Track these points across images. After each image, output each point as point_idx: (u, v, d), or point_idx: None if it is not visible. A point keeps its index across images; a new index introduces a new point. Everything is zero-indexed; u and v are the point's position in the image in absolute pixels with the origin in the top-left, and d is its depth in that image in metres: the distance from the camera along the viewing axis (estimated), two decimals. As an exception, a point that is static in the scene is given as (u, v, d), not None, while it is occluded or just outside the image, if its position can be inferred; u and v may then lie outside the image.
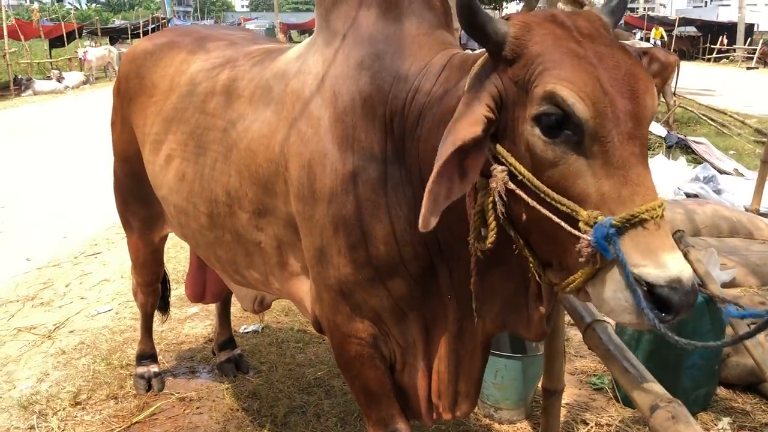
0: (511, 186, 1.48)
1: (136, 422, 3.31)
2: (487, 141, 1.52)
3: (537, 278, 1.63)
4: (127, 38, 32.08)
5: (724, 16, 36.47)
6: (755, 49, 32.52)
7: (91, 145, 11.62)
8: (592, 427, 3.24)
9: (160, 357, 3.85)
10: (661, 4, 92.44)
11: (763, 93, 18.00)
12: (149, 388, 3.59)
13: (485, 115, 1.48)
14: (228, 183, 2.32)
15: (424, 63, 1.84)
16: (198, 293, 3.45)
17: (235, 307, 4.27)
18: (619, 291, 1.36)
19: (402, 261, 1.91)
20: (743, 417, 3.34)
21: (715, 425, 3.24)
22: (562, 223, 1.40)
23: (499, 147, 1.52)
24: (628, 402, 3.42)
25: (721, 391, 3.55)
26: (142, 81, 2.78)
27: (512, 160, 1.49)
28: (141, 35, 31.49)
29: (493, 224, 1.55)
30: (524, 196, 1.46)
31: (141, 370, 3.62)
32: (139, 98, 2.79)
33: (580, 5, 1.94)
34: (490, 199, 1.52)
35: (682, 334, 3.24)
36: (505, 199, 1.50)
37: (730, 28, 35.43)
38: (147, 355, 3.66)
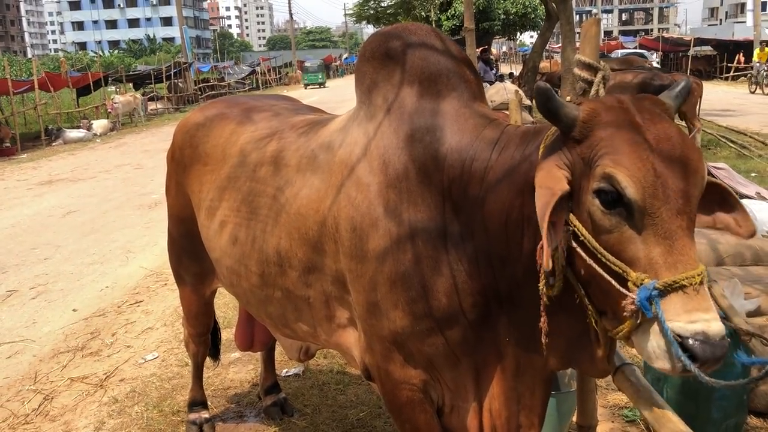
0: (573, 244, 1.72)
1: (191, 467, 3.50)
2: (566, 201, 1.74)
3: (594, 324, 1.85)
4: (151, 83, 32.82)
5: (740, 33, 36.49)
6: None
7: (125, 192, 12.00)
8: (626, 459, 3.37)
9: (208, 402, 4.05)
10: (675, 24, 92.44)
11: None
12: (201, 433, 3.78)
13: (566, 176, 1.72)
14: (279, 244, 2.54)
15: (474, 135, 2.10)
16: (247, 343, 3.66)
17: (276, 350, 4.47)
18: (657, 341, 1.58)
19: (462, 310, 2.11)
20: (774, 445, 3.44)
21: (747, 454, 3.35)
22: (613, 281, 1.64)
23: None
24: (660, 433, 3.54)
25: (752, 420, 3.66)
26: (196, 150, 3.04)
27: (576, 223, 1.72)
28: (164, 80, 32.35)
29: (560, 274, 1.81)
30: (583, 254, 1.70)
31: (193, 416, 3.82)
32: (194, 166, 3.05)
33: (595, 70, 2.16)
34: (559, 253, 1.77)
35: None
36: (565, 254, 1.76)
37: (746, 46, 35.40)
38: (198, 402, 3.86)
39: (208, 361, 4.18)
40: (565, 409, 3.37)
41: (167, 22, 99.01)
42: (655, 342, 1.59)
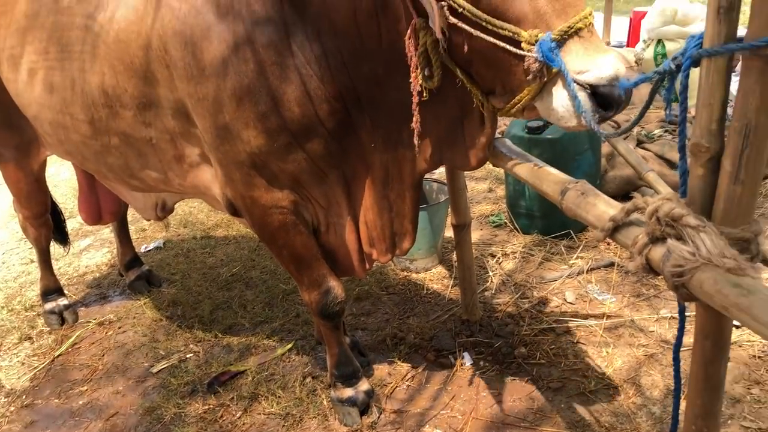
0: (453, 20, 1.54)
1: (59, 355, 3.23)
2: None
3: (480, 107, 1.74)
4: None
5: None
6: None
7: None
8: (499, 257, 3.49)
9: (65, 291, 3.72)
10: None
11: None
12: (63, 321, 3.48)
13: None
14: (103, 82, 2.20)
15: None
16: (94, 214, 3.32)
17: (132, 227, 4.16)
18: (565, 98, 1.48)
19: (319, 119, 1.93)
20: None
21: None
22: (507, 46, 1.49)
23: None
24: (527, 230, 3.69)
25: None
26: (-21, -7, 2.53)
27: None
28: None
29: (437, 62, 1.65)
30: (466, 27, 1.52)
31: (49, 305, 3.49)
32: (-19, 12, 2.55)
33: None
34: (432, 37, 1.60)
35: (566, 157, 3.47)
36: (447, 34, 1.58)
37: None
38: (52, 290, 3.53)
39: (58, 250, 3.82)
40: (437, 220, 3.40)
41: None
42: (565, 100, 1.49)
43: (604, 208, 1.42)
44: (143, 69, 2.09)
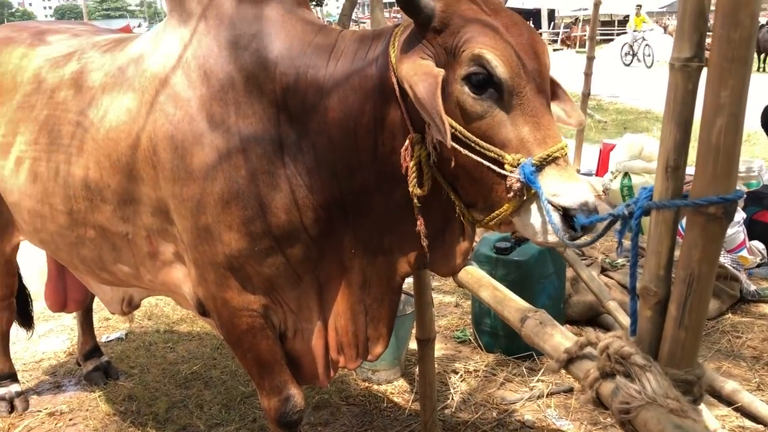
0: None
1: (4, 445, 3.13)
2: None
3: (462, 218, 1.86)
4: None
5: (530, 3, 39.24)
6: (558, 32, 35.54)
7: None
8: (462, 374, 3.51)
9: (19, 377, 3.63)
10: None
11: (573, 70, 19.56)
12: (12, 409, 3.37)
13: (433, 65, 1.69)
14: (87, 175, 2.27)
15: (306, 42, 1.97)
16: (59, 301, 3.29)
17: (96, 315, 4.12)
18: (540, 217, 1.63)
19: (303, 226, 2.01)
20: (588, 347, 3.75)
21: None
22: (493, 166, 1.64)
23: None
24: (490, 348, 3.73)
25: (567, 328, 3.96)
26: (-22, 82, 2.63)
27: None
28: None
29: (428, 173, 1.80)
30: (456, 145, 1.67)
31: (1, 391, 3.39)
32: (-23, 100, 2.63)
33: None
34: (426, 151, 1.76)
35: (532, 280, 3.56)
36: (439, 149, 1.75)
37: (535, 14, 38.24)
38: (5, 376, 3.44)
39: (18, 334, 3.75)
40: (402, 332, 3.43)
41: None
42: (539, 218, 1.63)
43: (560, 340, 1.49)
44: (129, 167, 2.17)
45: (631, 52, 24.41)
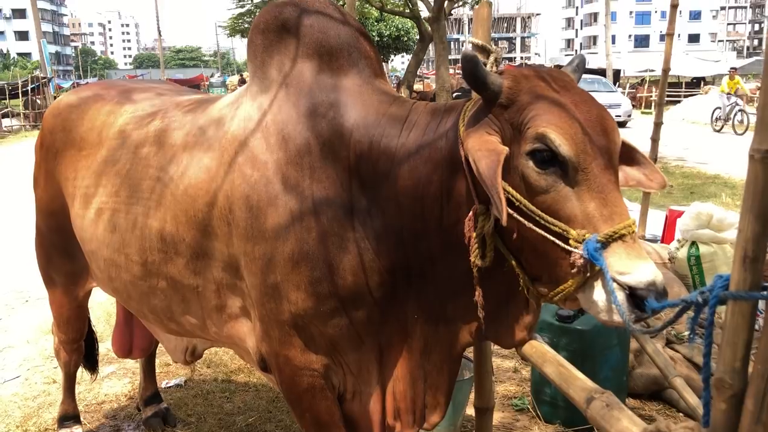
0: (509, 211, 1.69)
1: (63, 487, 3.19)
2: None
3: (526, 292, 1.85)
4: (5, 98, 30.53)
5: (594, 63, 39.18)
6: (623, 92, 35.33)
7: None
8: (519, 444, 3.43)
9: (82, 419, 3.72)
10: (536, 53, 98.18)
11: (639, 131, 19.34)
12: (75, 451, 3.46)
13: (498, 141, 1.73)
14: (163, 229, 2.37)
15: (380, 112, 2.05)
16: (126, 348, 3.40)
17: (158, 359, 4.20)
18: (605, 295, 1.59)
19: (368, 289, 2.05)
20: (650, 422, 3.61)
21: None
22: (557, 241, 1.63)
23: None
24: (549, 418, 3.64)
25: (630, 401, 3.84)
26: (69, 134, 2.79)
27: (509, 188, 1.70)
28: (20, 95, 30.17)
29: (491, 245, 1.81)
30: (520, 218, 1.68)
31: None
32: (67, 152, 2.80)
33: (487, 53, 2.18)
34: (489, 223, 1.77)
35: (594, 350, 3.49)
36: (493, 223, 1.76)
37: (600, 74, 38.13)
38: (70, 417, 3.54)
39: (83, 375, 3.86)
40: (460, 398, 3.38)
41: (23, 36, 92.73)
42: (605, 295, 1.59)
43: (627, 425, 1.46)
44: (204, 223, 2.25)
45: (722, 117, 22.13)
